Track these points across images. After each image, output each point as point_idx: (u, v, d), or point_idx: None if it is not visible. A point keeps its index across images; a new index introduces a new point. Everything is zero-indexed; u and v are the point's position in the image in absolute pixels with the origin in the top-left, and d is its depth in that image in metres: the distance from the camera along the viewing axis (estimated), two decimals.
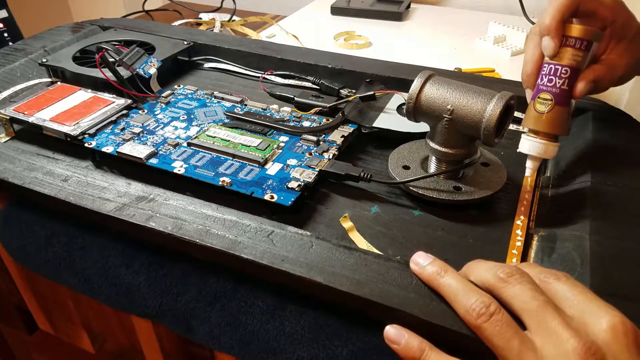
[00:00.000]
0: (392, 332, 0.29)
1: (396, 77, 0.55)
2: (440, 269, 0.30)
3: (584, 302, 0.27)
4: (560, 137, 0.40)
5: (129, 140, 0.46)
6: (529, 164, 0.41)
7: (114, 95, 0.52)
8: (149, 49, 0.60)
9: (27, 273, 0.51)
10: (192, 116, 0.50)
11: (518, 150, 0.41)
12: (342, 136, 0.46)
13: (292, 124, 0.49)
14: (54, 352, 0.64)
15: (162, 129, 0.48)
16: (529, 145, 0.40)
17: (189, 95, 0.54)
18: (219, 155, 0.44)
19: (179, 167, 0.42)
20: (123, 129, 0.47)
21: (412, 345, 0.28)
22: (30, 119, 0.48)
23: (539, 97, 0.39)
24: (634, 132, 0.46)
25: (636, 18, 0.42)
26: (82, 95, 0.52)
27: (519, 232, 0.37)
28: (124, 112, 0.50)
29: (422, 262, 0.31)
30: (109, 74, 0.52)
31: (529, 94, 0.42)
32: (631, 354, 0.25)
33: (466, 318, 0.28)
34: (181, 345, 0.45)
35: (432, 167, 0.42)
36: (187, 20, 0.97)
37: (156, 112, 0.51)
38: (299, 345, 0.34)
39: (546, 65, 0.39)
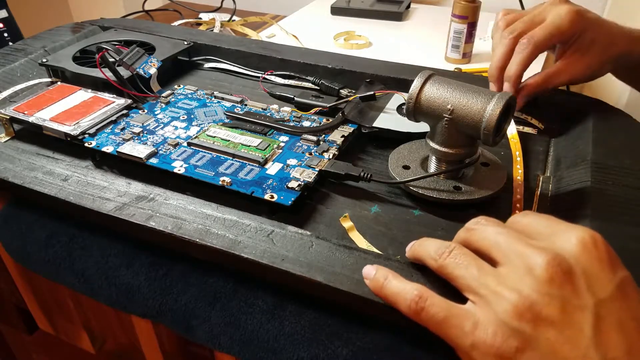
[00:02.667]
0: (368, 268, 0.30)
1: (396, 77, 0.55)
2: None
3: (551, 227, 0.26)
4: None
5: (129, 140, 0.46)
6: None
7: (114, 95, 0.52)
8: (149, 49, 0.60)
9: (27, 273, 0.51)
10: (192, 116, 0.50)
11: None
12: (342, 136, 0.46)
13: (292, 124, 0.49)
14: (54, 352, 0.64)
15: (162, 128, 0.48)
16: None
17: (189, 95, 0.54)
18: (219, 155, 0.44)
19: (179, 167, 0.42)
20: (123, 129, 0.47)
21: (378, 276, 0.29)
22: (30, 119, 0.48)
23: None
24: (634, 132, 0.46)
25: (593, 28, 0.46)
26: (82, 95, 0.52)
27: None
28: (124, 112, 0.50)
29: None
30: (109, 74, 0.52)
31: (492, 87, 0.48)
32: (602, 266, 0.24)
33: (431, 264, 0.28)
34: (181, 345, 0.45)
35: (432, 167, 0.42)
36: (187, 20, 0.97)
37: (156, 112, 0.51)
38: (299, 345, 0.34)
39: None
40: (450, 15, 0.77)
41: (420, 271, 0.31)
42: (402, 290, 0.28)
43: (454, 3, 0.76)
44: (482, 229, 0.28)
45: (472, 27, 0.76)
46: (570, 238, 0.24)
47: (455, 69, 0.76)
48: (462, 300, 0.27)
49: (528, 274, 0.24)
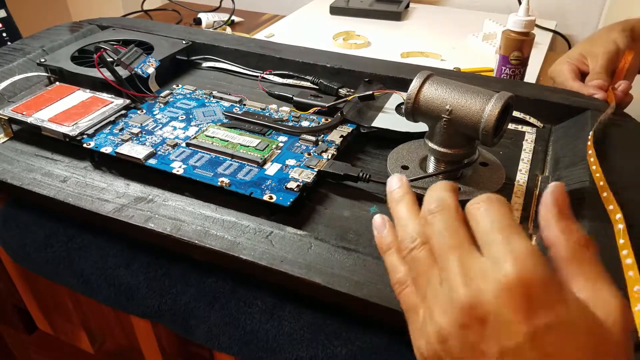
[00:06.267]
0: (378, 221, 0.29)
1: (395, 77, 0.55)
2: (400, 194, 0.29)
3: (494, 232, 0.24)
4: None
5: (127, 140, 0.46)
6: None
7: (113, 95, 0.51)
8: (148, 49, 0.60)
9: (27, 273, 0.51)
10: (190, 116, 0.50)
11: None
12: (341, 136, 0.46)
13: (290, 123, 0.49)
14: (53, 352, 0.64)
15: (160, 129, 0.48)
16: None
17: (188, 95, 0.54)
18: (218, 155, 0.44)
19: (177, 168, 0.42)
20: (122, 129, 0.47)
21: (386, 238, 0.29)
22: (29, 120, 0.47)
23: None
24: (634, 132, 0.46)
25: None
26: (81, 95, 0.52)
27: None
28: (123, 112, 0.50)
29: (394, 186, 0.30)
30: (107, 74, 0.52)
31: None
32: (516, 314, 0.22)
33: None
34: (180, 345, 0.45)
35: (431, 167, 0.42)
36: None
37: (155, 112, 0.51)
38: (298, 345, 0.34)
39: None
40: (449, 15, 0.77)
41: None
42: (394, 265, 0.28)
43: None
44: (435, 226, 0.27)
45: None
46: (500, 268, 0.23)
47: (454, 68, 0.76)
48: None
49: (450, 305, 0.24)
